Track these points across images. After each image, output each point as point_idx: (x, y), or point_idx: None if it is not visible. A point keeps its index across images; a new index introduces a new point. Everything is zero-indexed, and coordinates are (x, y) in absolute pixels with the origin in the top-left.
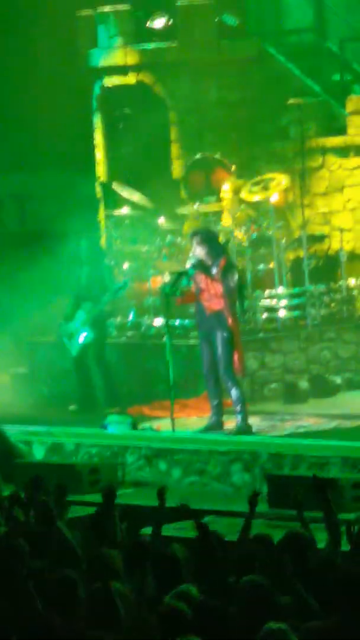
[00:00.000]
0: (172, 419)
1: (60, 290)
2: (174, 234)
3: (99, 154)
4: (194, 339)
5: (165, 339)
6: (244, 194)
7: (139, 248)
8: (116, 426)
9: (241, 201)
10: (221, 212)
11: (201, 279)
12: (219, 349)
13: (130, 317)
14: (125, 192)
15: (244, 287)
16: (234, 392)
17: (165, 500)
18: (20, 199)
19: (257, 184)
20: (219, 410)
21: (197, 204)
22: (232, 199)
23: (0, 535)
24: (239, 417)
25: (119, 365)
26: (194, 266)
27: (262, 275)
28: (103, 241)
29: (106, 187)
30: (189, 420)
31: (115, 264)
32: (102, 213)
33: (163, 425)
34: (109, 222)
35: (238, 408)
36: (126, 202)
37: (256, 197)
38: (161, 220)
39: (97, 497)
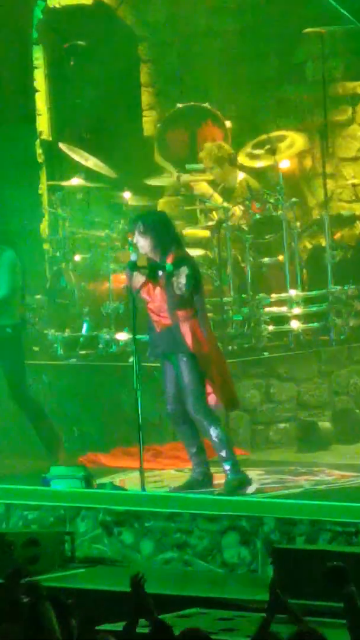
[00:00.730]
0: (142, 472)
1: None
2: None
3: (41, 103)
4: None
5: (132, 360)
6: (243, 159)
7: (95, 233)
8: (62, 482)
9: (239, 168)
10: (211, 183)
11: (144, 285)
12: (182, 378)
13: (84, 330)
14: (77, 156)
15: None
16: (212, 433)
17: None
18: None
19: (260, 145)
20: (201, 459)
21: (177, 172)
22: (226, 166)
23: None
24: (227, 467)
25: (66, 396)
26: (131, 267)
27: (268, 272)
28: (44, 224)
29: (50, 148)
30: (164, 474)
31: (61, 255)
32: (44, 184)
33: (128, 480)
34: (53, 197)
35: (223, 454)
36: (78, 169)
37: (259, 164)
38: (127, 195)
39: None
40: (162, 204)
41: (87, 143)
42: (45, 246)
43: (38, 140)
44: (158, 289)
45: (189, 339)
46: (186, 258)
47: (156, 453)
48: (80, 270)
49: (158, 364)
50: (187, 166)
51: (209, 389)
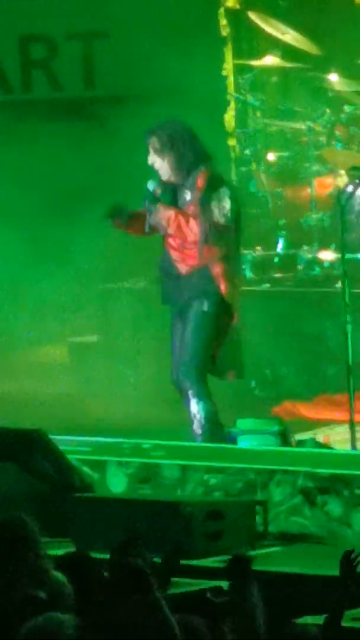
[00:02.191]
0: (352, 426)
1: None
2: (355, 101)
3: None
4: None
5: (339, 285)
6: None
7: (294, 126)
8: (253, 438)
9: None
10: None
11: (165, 214)
12: (190, 330)
13: (279, 247)
14: (272, 28)
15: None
16: (195, 407)
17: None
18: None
19: None
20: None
21: None
22: None
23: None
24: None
25: (257, 331)
26: (151, 199)
27: None
28: (229, 114)
29: (238, 18)
30: None
31: (251, 153)
32: (229, 64)
33: (335, 436)
34: (241, 80)
35: (199, 433)
36: (273, 44)
37: None
38: (334, 78)
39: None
40: None
41: (284, 11)
42: (231, 142)
43: (222, 9)
44: (186, 219)
45: (222, 285)
46: (223, 177)
47: None
48: (274, 172)
49: None
50: None
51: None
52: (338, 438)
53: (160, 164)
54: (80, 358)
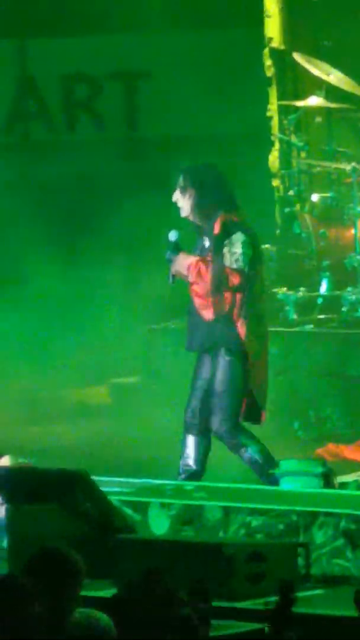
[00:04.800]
0: None
1: None
2: None
3: (271, 2)
4: None
5: None
6: None
7: (338, 166)
8: (295, 479)
9: None
10: None
11: (186, 262)
12: (219, 382)
13: (323, 288)
14: (316, 68)
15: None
16: (246, 455)
17: None
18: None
19: None
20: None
21: None
22: None
23: None
24: None
25: (300, 371)
26: (176, 247)
27: None
28: (274, 155)
29: (283, 58)
30: None
31: (295, 194)
32: (273, 104)
33: None
34: (285, 121)
35: (260, 474)
36: (317, 85)
37: None
38: None
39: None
40: None
41: (328, 52)
42: (275, 183)
43: (267, 49)
44: (207, 266)
45: (242, 332)
46: (240, 223)
47: None
48: (318, 213)
49: None
50: None
51: None
52: None
53: (182, 202)
54: (122, 399)
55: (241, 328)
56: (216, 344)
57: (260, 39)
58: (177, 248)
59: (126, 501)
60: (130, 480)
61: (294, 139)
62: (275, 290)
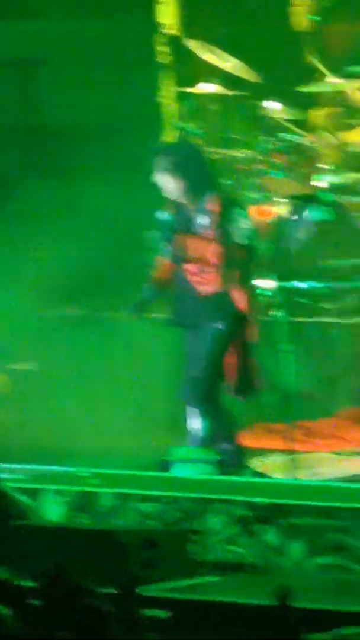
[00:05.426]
0: (291, 455)
1: None
2: (294, 130)
3: None
4: (331, 315)
5: (277, 313)
6: None
7: (233, 154)
8: (189, 466)
9: None
10: None
11: (185, 241)
12: (204, 350)
13: None
14: (212, 55)
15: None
16: (196, 424)
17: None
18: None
19: None
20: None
21: (336, 76)
22: None
23: None
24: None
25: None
26: (169, 227)
27: None
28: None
29: (177, 45)
30: (319, 457)
31: None
32: (168, 90)
33: (273, 465)
34: (181, 107)
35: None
36: (213, 72)
37: None
38: (274, 106)
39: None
40: (318, 117)
41: (224, 39)
42: None
43: (162, 36)
44: (201, 243)
45: (242, 306)
46: (236, 200)
47: (308, 431)
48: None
49: (312, 320)
50: (349, 69)
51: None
52: (276, 467)
53: (172, 186)
54: (17, 386)
55: (243, 303)
56: (212, 319)
57: (155, 26)
58: (173, 227)
59: (20, 488)
60: (25, 466)
61: (189, 126)
62: None
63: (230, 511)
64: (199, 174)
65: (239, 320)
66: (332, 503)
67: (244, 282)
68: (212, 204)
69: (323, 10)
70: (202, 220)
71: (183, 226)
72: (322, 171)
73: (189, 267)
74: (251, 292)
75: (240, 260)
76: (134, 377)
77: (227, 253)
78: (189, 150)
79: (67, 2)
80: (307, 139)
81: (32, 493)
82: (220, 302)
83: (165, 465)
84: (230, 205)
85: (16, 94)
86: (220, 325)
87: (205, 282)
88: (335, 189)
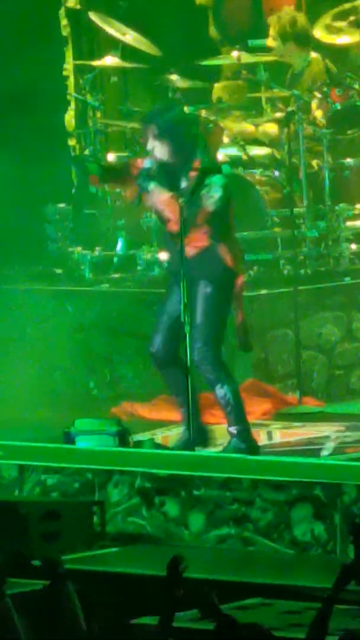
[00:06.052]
0: (191, 426)
1: None
2: (195, 103)
3: None
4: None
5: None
6: (321, 33)
7: (134, 126)
8: (90, 438)
9: (314, 47)
10: (279, 64)
11: (164, 199)
12: (201, 312)
13: (118, 247)
14: (112, 28)
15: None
16: (219, 391)
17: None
18: None
19: (343, 15)
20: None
21: (236, 50)
22: (294, 43)
23: None
24: (233, 430)
25: (96, 331)
26: (148, 176)
27: (351, 177)
28: (69, 114)
29: (78, 18)
30: (219, 429)
31: (90, 153)
32: (69, 64)
33: (173, 437)
34: (81, 80)
35: (231, 415)
36: (113, 45)
37: (341, 39)
38: (174, 78)
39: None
40: (217, 90)
41: (124, 12)
42: (71, 142)
43: (62, 9)
44: (184, 206)
45: (229, 262)
46: (217, 165)
47: (209, 403)
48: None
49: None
50: (250, 42)
51: None
52: (176, 439)
53: (160, 149)
54: None
55: (229, 258)
56: (200, 277)
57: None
58: (149, 176)
59: None
60: None
61: (89, 98)
62: (70, 249)
63: (131, 483)
64: (185, 137)
65: (225, 277)
66: (232, 474)
67: (226, 240)
68: (195, 165)
69: None
70: (183, 183)
71: (165, 183)
72: (223, 144)
73: (171, 226)
74: (235, 246)
75: (214, 222)
76: (38, 349)
77: (197, 216)
78: (176, 115)
79: None
80: (206, 112)
81: None
82: (204, 260)
83: (69, 437)
84: (207, 171)
85: None
86: (207, 285)
87: (188, 242)
88: (236, 162)
